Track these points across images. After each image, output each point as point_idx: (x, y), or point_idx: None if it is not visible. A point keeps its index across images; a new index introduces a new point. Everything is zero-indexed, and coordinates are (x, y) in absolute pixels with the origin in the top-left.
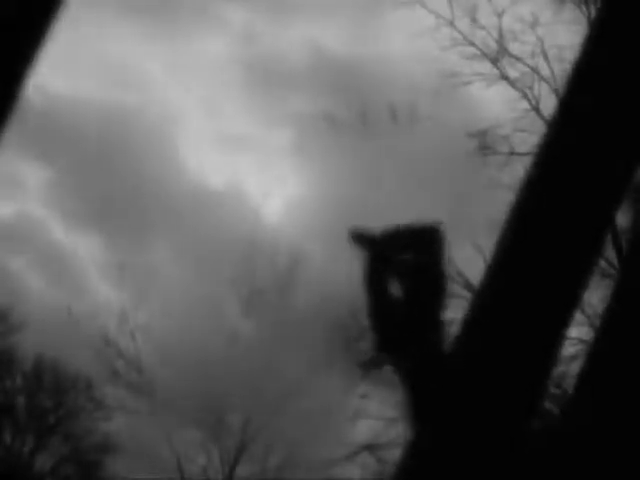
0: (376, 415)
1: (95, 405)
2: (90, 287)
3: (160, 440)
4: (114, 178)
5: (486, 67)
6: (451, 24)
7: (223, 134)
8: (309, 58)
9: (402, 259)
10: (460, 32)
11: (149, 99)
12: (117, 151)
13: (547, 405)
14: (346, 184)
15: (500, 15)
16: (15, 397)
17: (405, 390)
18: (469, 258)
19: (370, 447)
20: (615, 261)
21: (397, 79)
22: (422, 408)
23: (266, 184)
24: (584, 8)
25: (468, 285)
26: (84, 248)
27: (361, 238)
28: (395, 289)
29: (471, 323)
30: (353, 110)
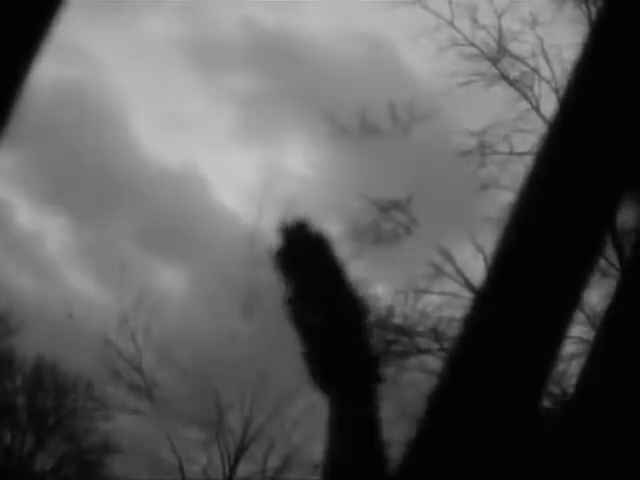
0: None
1: (95, 405)
2: (62, 272)
3: (160, 440)
4: (73, 159)
5: (486, 67)
6: (451, 24)
7: (172, 113)
8: (250, 36)
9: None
10: (460, 32)
11: (97, 78)
12: (73, 131)
13: (547, 404)
14: (342, 181)
15: (500, 15)
16: (15, 397)
17: (333, 415)
18: (469, 258)
19: None
20: (615, 261)
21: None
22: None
23: (218, 162)
24: (584, 8)
25: (468, 284)
26: (52, 233)
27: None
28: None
29: (473, 322)
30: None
